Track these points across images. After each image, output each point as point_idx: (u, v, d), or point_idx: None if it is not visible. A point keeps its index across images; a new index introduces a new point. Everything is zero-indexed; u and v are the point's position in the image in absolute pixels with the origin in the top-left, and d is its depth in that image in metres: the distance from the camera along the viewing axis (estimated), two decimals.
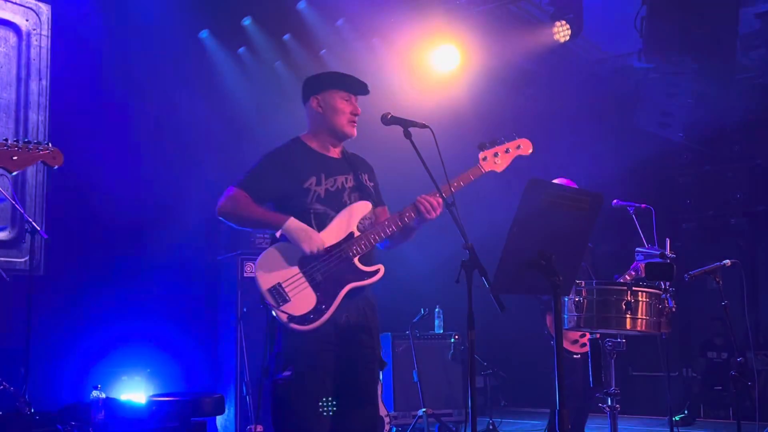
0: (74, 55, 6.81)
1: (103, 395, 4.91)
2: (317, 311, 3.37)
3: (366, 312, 3.57)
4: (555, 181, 5.91)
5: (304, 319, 3.35)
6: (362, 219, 3.58)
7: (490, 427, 7.62)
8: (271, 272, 3.39)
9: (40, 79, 6.73)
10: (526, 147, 3.74)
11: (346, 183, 3.63)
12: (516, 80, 8.70)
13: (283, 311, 3.33)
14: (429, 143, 3.42)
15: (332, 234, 3.49)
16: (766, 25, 8.70)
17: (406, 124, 3.54)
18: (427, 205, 3.48)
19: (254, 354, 6.36)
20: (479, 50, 8.21)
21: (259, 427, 6.25)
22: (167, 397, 4.42)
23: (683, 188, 10.34)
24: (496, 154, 3.65)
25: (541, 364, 5.71)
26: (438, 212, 3.51)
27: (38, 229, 5.34)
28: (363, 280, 3.48)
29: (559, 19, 7.82)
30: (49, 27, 6.77)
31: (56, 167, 3.67)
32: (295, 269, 3.41)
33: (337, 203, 3.56)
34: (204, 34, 7.73)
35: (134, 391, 6.37)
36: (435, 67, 8.38)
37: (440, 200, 3.48)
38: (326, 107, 3.64)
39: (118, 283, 6.83)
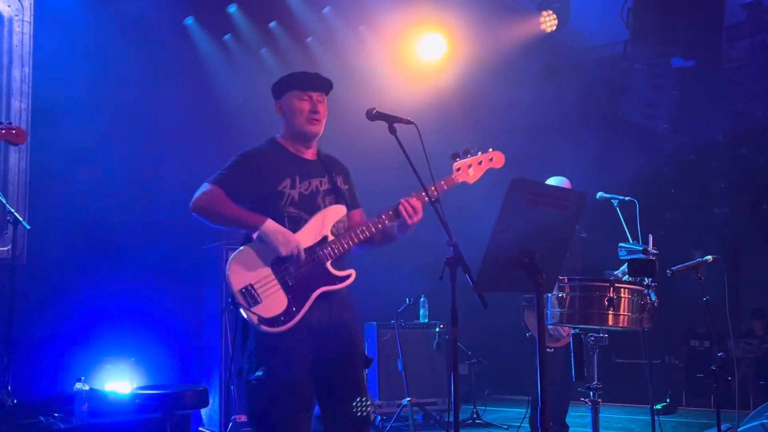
0: (57, 42, 6.73)
1: (87, 387, 4.90)
2: (288, 314, 3.34)
3: (340, 310, 3.53)
4: (551, 179, 5.93)
5: (274, 321, 3.31)
6: (336, 223, 3.56)
7: (474, 415, 7.68)
8: (243, 273, 3.34)
9: (22, 66, 6.66)
10: (498, 160, 3.73)
11: (321, 186, 3.59)
12: (502, 69, 8.68)
13: (253, 313, 3.29)
14: (415, 138, 3.41)
15: (305, 237, 3.45)
16: (752, 16, 8.73)
17: (391, 119, 3.51)
18: (409, 209, 3.46)
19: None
20: (466, 39, 8.21)
21: (243, 417, 6.27)
22: (151, 389, 4.41)
23: (667, 177, 10.41)
24: (469, 166, 3.65)
25: (522, 354, 5.78)
26: (420, 216, 3.49)
27: (20, 219, 5.29)
28: (334, 284, 3.46)
29: (545, 9, 7.81)
30: (32, 13, 6.69)
31: (20, 144, 3.63)
32: (267, 270, 3.37)
33: (311, 206, 3.53)
34: (189, 21, 7.66)
35: (118, 380, 6.37)
36: (422, 55, 8.36)
37: (418, 205, 3.47)
38: (286, 110, 3.62)
39: (101, 273, 6.80)
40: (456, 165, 3.63)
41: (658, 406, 8.24)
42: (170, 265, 7.16)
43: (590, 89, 9.54)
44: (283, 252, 3.35)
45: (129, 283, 6.96)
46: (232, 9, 7.76)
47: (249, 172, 3.50)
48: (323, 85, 3.66)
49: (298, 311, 3.36)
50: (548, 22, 7.77)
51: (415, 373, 7.25)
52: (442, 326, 7.69)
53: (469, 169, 3.65)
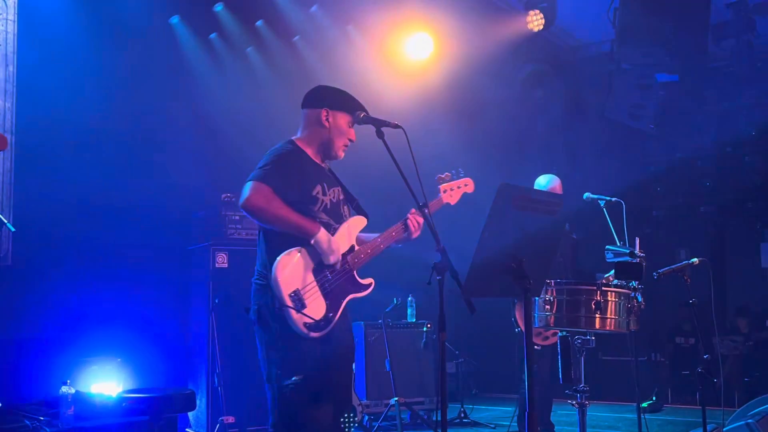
0: (42, 41, 6.67)
1: (73, 390, 4.86)
2: (327, 319, 3.49)
3: (347, 315, 3.69)
4: (541, 178, 5.94)
5: (317, 325, 3.45)
6: (359, 233, 3.72)
7: (461, 414, 7.69)
8: (290, 277, 3.44)
9: (6, 65, 6.58)
10: (470, 186, 4.09)
11: (339, 195, 3.74)
12: (489, 68, 8.69)
13: (304, 315, 3.40)
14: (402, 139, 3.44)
15: (340, 244, 3.60)
16: (737, 15, 8.78)
17: (379, 123, 3.57)
18: (415, 224, 3.70)
19: (225, 345, 6.33)
20: (453, 38, 8.20)
21: (231, 418, 6.26)
22: (138, 393, 4.39)
23: (654, 175, 10.45)
24: (451, 189, 4.02)
25: (509, 352, 5.80)
26: (418, 234, 3.74)
27: (5, 221, 5.25)
28: (360, 291, 3.66)
29: (533, 8, 7.82)
30: (16, 11, 6.61)
31: (1, 151, 3.61)
32: (311, 276, 3.49)
33: (337, 215, 3.69)
34: (174, 19, 7.61)
35: (105, 380, 6.33)
36: (409, 54, 8.35)
37: (421, 222, 3.70)
38: (333, 125, 3.69)
39: (87, 273, 6.75)
40: (442, 188, 4.00)
41: (644, 405, 8.28)
42: (156, 266, 7.12)
43: (577, 88, 9.56)
44: (332, 261, 3.51)
45: (115, 284, 6.91)
46: (219, 8, 7.71)
47: (289, 173, 3.55)
48: (361, 122, 3.75)
49: (334, 317, 3.52)
50: (535, 21, 7.78)
51: (403, 372, 7.24)
52: (429, 325, 7.69)
53: (451, 192, 4.02)
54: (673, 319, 10.08)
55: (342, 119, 3.69)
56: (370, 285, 3.69)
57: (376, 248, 3.68)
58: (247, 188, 3.46)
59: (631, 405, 8.48)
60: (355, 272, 3.63)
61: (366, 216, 3.78)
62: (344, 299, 3.58)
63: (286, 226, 3.51)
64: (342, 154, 3.76)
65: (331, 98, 3.72)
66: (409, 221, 3.68)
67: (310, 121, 3.72)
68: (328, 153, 3.73)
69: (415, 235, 3.72)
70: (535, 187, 5.94)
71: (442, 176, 3.99)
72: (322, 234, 3.48)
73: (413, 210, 3.69)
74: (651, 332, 9.89)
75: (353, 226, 3.70)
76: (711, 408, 5.15)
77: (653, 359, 10.16)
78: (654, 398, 8.91)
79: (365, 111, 3.74)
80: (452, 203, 4.02)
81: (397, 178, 3.41)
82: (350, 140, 3.75)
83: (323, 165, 3.75)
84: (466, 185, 4.06)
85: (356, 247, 3.66)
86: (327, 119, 3.67)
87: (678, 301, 9.56)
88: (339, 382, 3.64)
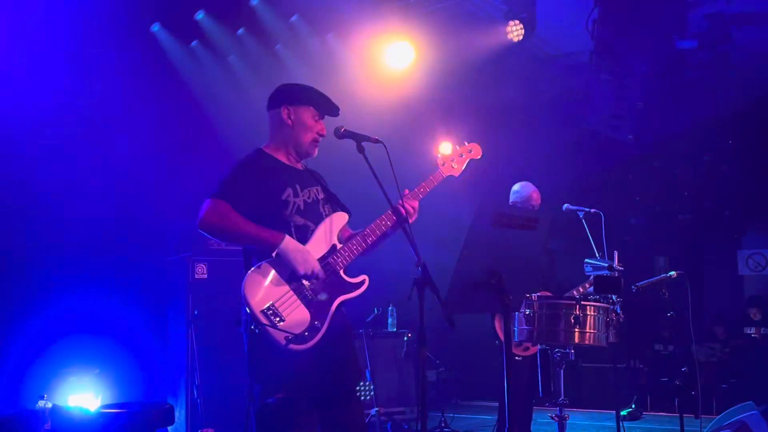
0: (16, 47, 6.60)
1: (50, 404, 4.81)
2: (312, 329, 3.30)
3: (345, 321, 3.52)
4: (516, 186, 5.95)
5: (301, 338, 3.27)
6: (341, 230, 3.55)
7: (442, 423, 7.69)
8: (262, 292, 3.28)
9: None
10: (476, 151, 3.83)
11: (318, 194, 3.59)
12: (469, 77, 8.72)
13: (282, 330, 3.22)
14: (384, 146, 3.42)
15: (316, 247, 3.43)
16: (713, 26, 8.88)
17: (359, 138, 3.53)
18: (410, 209, 3.49)
19: (205, 357, 6.30)
20: (433, 47, 8.22)
21: (210, 430, 6.22)
22: (116, 408, 4.36)
23: (632, 184, 10.53)
24: (452, 159, 3.75)
25: (490, 360, 5.81)
26: (415, 217, 3.53)
27: None
28: (351, 292, 3.45)
29: (512, 19, 7.86)
30: None
31: None
32: (286, 287, 3.33)
33: (315, 215, 3.52)
34: (156, 27, 7.57)
35: (83, 392, 6.28)
36: (390, 63, 8.36)
37: (416, 205, 3.52)
38: (296, 121, 3.57)
39: (62, 284, 6.70)
40: (440, 160, 3.73)
41: (624, 412, 8.33)
42: (134, 277, 7.09)
43: (556, 97, 9.62)
44: (301, 271, 3.32)
45: (92, 295, 6.86)
46: (200, 16, 7.69)
47: (251, 183, 3.44)
48: (335, 112, 3.68)
49: (321, 325, 3.33)
50: (515, 32, 7.81)
51: (384, 382, 7.25)
52: (410, 335, 7.69)
53: (453, 163, 3.75)
54: (652, 326, 10.15)
55: (305, 113, 3.58)
56: (362, 283, 3.48)
57: (363, 241, 3.48)
58: (203, 207, 3.39)
59: (610, 413, 8.53)
60: (341, 272, 3.44)
61: (348, 211, 3.63)
62: (333, 303, 3.38)
63: (245, 240, 3.41)
64: (314, 151, 3.61)
65: (290, 94, 3.61)
66: (400, 206, 3.45)
67: (273, 123, 3.63)
68: (300, 151, 3.60)
69: (411, 219, 3.48)
70: (511, 194, 5.93)
71: (441, 149, 3.80)
72: (286, 243, 3.32)
73: (406, 191, 3.53)
74: (630, 339, 9.94)
75: (333, 224, 3.52)
76: (688, 416, 5.20)
77: (632, 366, 10.22)
78: (633, 406, 8.96)
79: (331, 103, 3.64)
80: (456, 175, 3.77)
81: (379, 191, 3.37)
82: (320, 134, 3.60)
83: (298, 166, 3.63)
84: (470, 151, 3.80)
85: (338, 246, 3.49)
86: (289, 117, 3.57)
87: (656, 307, 9.69)
88: (335, 394, 3.42)
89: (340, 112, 3.70)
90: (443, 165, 3.73)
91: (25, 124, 6.49)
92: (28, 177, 6.55)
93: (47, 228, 6.69)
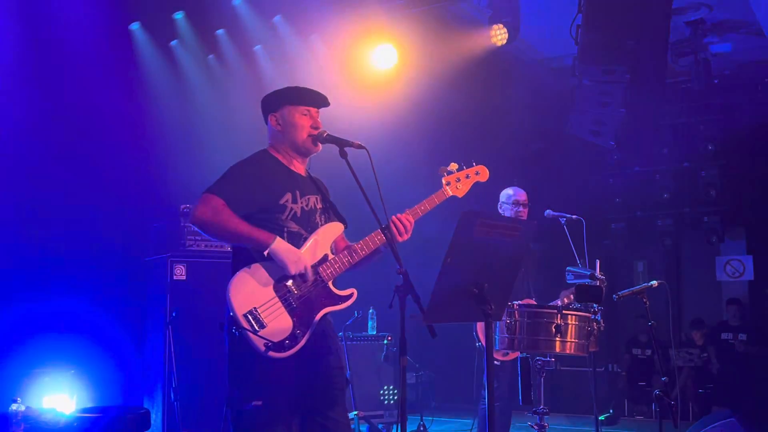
0: None
1: (23, 407, 4.73)
2: (293, 337, 3.26)
3: (327, 331, 3.47)
4: (507, 190, 5.90)
5: (280, 346, 3.22)
6: (334, 241, 3.51)
7: (421, 428, 7.68)
8: (245, 295, 3.24)
9: None
10: (483, 174, 3.77)
11: (317, 203, 3.54)
12: (452, 80, 8.71)
13: (261, 338, 3.17)
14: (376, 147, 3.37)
15: (308, 255, 3.38)
16: (694, 33, 8.93)
17: (342, 143, 3.49)
18: (400, 227, 3.44)
19: (182, 359, 6.23)
20: (417, 50, 8.19)
21: None
22: (92, 412, 4.29)
23: (613, 188, 10.59)
24: (458, 180, 3.69)
25: (469, 363, 5.80)
26: (409, 235, 3.47)
27: None
28: (337, 304, 3.41)
29: (496, 23, 7.85)
30: None
31: None
32: (271, 293, 3.28)
33: (310, 224, 3.47)
34: (135, 26, 7.49)
35: (57, 392, 6.18)
36: (373, 65, 8.32)
37: (411, 220, 3.47)
38: (285, 124, 3.54)
39: (37, 282, 6.61)
40: (445, 179, 3.68)
41: (602, 417, 8.36)
42: (112, 275, 7.01)
43: (539, 102, 9.64)
44: (293, 271, 3.28)
45: (69, 292, 6.77)
46: (179, 16, 7.61)
47: (250, 183, 3.40)
48: (323, 102, 3.63)
49: (303, 334, 3.28)
50: (499, 36, 7.79)
51: (363, 385, 7.21)
52: (390, 338, 7.66)
53: (458, 183, 3.69)
54: (630, 330, 10.21)
55: (290, 113, 3.54)
56: (350, 296, 3.44)
57: (354, 255, 3.43)
58: (198, 201, 3.35)
59: (588, 417, 8.56)
60: (330, 283, 3.39)
61: (344, 222, 3.59)
62: (317, 314, 3.33)
63: (236, 239, 3.36)
64: (313, 146, 3.55)
65: (274, 100, 3.59)
66: (392, 223, 3.40)
67: (270, 131, 3.62)
68: (300, 151, 3.57)
69: (403, 238, 3.44)
70: (501, 198, 5.88)
71: (447, 167, 3.70)
72: (279, 243, 3.28)
73: (408, 211, 3.49)
74: (608, 343, 9.99)
75: (327, 234, 3.48)
76: (666, 420, 5.23)
77: (611, 370, 10.27)
78: (611, 411, 9.00)
79: (315, 94, 3.59)
80: (460, 196, 3.71)
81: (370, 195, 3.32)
82: (314, 127, 3.54)
83: (302, 172, 3.60)
84: (477, 173, 3.74)
85: (330, 257, 3.44)
86: (278, 123, 3.55)
87: (635, 312, 9.75)
88: (314, 405, 3.37)
89: (329, 102, 3.65)
90: (448, 185, 3.68)
91: (1, 123, 6.39)
92: (3, 179, 6.45)
93: (25, 227, 6.59)
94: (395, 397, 7.47)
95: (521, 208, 5.71)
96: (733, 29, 9.06)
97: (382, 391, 7.52)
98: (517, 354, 4.92)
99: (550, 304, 4.90)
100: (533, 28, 8.52)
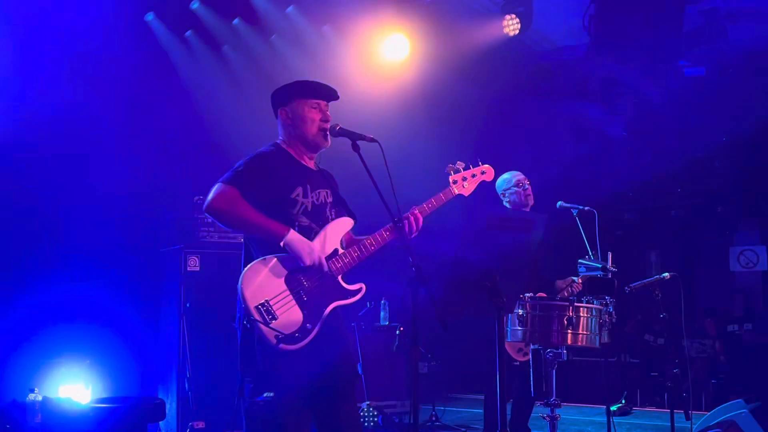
0: (9, 37, 6.54)
1: (40, 397, 4.79)
2: (303, 330, 3.29)
3: (338, 326, 3.50)
4: (503, 176, 5.87)
5: (291, 338, 3.26)
6: (344, 235, 3.54)
7: (433, 417, 7.71)
8: (258, 287, 3.27)
9: None
10: (489, 173, 3.82)
11: (327, 197, 3.56)
12: (465, 70, 8.69)
13: (272, 329, 3.22)
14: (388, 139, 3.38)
15: (319, 249, 3.41)
16: (709, 22, 8.86)
17: (354, 137, 3.50)
18: (413, 224, 3.47)
19: (196, 350, 6.29)
20: (429, 40, 8.19)
21: (200, 423, 6.22)
22: (108, 402, 4.34)
23: (626, 180, 10.54)
24: (464, 179, 3.73)
25: (482, 352, 5.80)
26: (418, 232, 3.50)
27: None
28: (347, 298, 3.45)
29: (509, 13, 7.83)
30: None
31: None
32: (283, 286, 3.32)
33: (321, 218, 3.50)
34: (150, 16, 7.51)
35: (73, 382, 6.25)
36: (385, 55, 8.33)
37: (420, 218, 3.50)
38: (295, 118, 3.56)
39: (53, 273, 6.68)
40: (452, 178, 3.71)
41: (614, 408, 8.35)
42: (126, 267, 7.05)
43: (551, 92, 9.60)
44: (308, 262, 3.32)
45: (84, 283, 6.82)
46: (195, 5, 7.62)
47: (263, 175, 3.43)
48: (332, 95, 3.64)
49: (313, 327, 3.32)
50: (511, 26, 7.78)
51: (375, 375, 7.25)
52: (402, 329, 7.69)
53: (464, 182, 3.73)
54: (644, 323, 10.19)
55: (299, 107, 3.55)
56: (359, 291, 3.47)
57: (364, 250, 3.45)
58: (212, 191, 3.38)
59: (600, 407, 8.55)
60: (339, 278, 3.43)
61: (354, 217, 3.60)
62: (326, 307, 3.36)
63: (251, 229, 3.41)
64: (323, 141, 3.56)
65: (283, 95, 3.61)
66: (404, 220, 3.41)
67: (280, 125, 3.64)
68: (310, 146, 3.58)
69: (413, 235, 3.47)
70: (501, 186, 5.82)
71: (454, 166, 3.73)
72: (293, 235, 3.32)
73: (416, 208, 3.52)
74: (620, 332, 9.98)
75: (337, 229, 3.50)
76: (678, 411, 5.23)
77: (623, 360, 10.25)
78: (623, 401, 8.98)
79: (325, 87, 3.60)
80: (466, 194, 3.74)
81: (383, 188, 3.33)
82: (324, 121, 3.55)
83: (312, 166, 3.63)
84: (483, 173, 3.79)
85: (340, 251, 3.47)
86: (288, 117, 3.57)
87: (647, 300, 9.73)
88: (325, 397, 3.40)
89: (338, 95, 3.66)
90: (454, 183, 3.71)
91: (15, 119, 6.44)
92: (20, 169, 6.51)
93: (41, 217, 6.65)
94: (407, 387, 7.52)
95: (527, 185, 5.52)
96: (747, 18, 8.98)
97: (393, 382, 7.56)
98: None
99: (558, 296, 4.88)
100: (545, 18, 8.49)
